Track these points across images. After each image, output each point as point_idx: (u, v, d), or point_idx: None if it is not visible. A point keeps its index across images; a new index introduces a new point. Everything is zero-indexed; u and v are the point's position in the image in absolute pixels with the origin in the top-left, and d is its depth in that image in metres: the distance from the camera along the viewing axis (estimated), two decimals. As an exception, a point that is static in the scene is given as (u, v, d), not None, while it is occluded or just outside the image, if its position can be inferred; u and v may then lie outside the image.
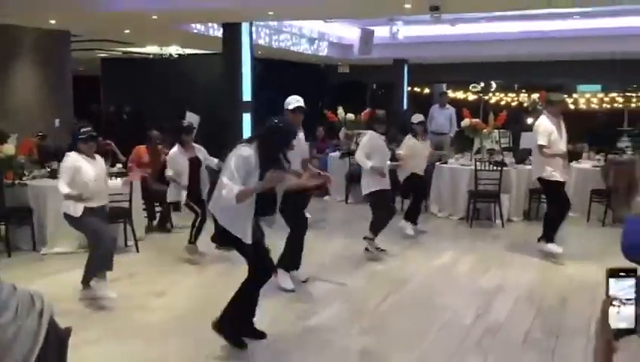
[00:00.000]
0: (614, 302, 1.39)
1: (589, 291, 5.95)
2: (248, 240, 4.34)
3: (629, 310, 1.39)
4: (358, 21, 13.43)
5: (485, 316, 5.29)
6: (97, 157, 5.82)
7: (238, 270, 5.36)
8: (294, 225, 5.97)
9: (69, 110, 11.93)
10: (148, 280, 6.27)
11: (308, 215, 8.48)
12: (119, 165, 8.37)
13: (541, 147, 6.81)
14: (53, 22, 10.12)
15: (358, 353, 4.52)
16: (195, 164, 7.11)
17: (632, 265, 1.85)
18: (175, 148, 7.13)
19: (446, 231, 8.76)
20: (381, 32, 13.29)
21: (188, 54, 15.65)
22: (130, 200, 7.29)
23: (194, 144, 7.25)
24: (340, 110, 12.05)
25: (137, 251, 7.32)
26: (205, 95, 13.31)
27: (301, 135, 5.92)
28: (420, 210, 8.72)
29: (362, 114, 11.62)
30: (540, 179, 7.12)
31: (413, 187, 8.40)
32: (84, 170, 5.56)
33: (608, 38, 12.72)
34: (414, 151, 8.26)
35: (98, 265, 5.53)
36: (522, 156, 9.70)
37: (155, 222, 8.60)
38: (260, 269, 4.52)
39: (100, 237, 5.55)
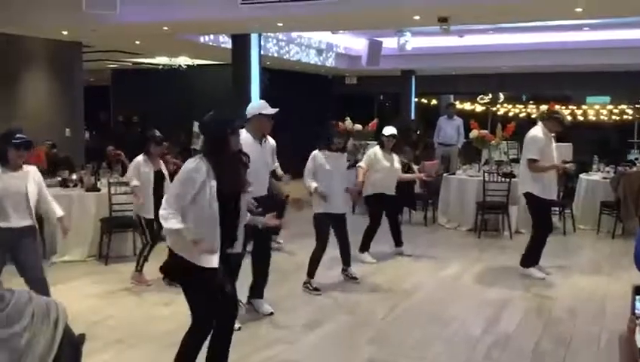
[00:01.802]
0: (639, 321, 1.39)
1: (599, 302, 5.94)
2: (212, 264, 3.62)
3: None
4: (366, 32, 13.49)
5: (494, 327, 5.27)
6: (27, 168, 4.84)
7: (243, 277, 5.40)
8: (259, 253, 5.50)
9: (80, 120, 12.05)
10: (156, 289, 6.28)
11: (280, 240, 8.14)
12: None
13: (532, 161, 6.40)
14: (65, 33, 10.23)
15: (366, 361, 4.52)
16: (159, 177, 6.62)
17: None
18: (139, 158, 6.58)
19: (454, 242, 8.75)
20: (389, 43, 13.33)
21: (197, 65, 15.76)
22: (139, 210, 7.33)
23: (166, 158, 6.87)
24: (348, 121, 12.10)
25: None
26: (214, 105, 13.38)
27: (272, 141, 5.54)
28: (400, 230, 7.90)
29: (369, 125, 11.68)
30: (527, 195, 6.64)
31: (378, 209, 7.51)
32: None
33: (617, 49, 12.73)
34: (377, 165, 7.34)
35: None
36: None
37: (162, 232, 8.61)
38: (202, 318, 3.80)
39: None
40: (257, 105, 5.45)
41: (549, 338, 5.01)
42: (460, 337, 5.06)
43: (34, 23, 9.38)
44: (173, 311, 5.63)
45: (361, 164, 7.44)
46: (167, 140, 8.92)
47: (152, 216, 6.34)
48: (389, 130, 7.48)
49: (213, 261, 3.62)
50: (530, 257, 6.78)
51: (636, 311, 1.38)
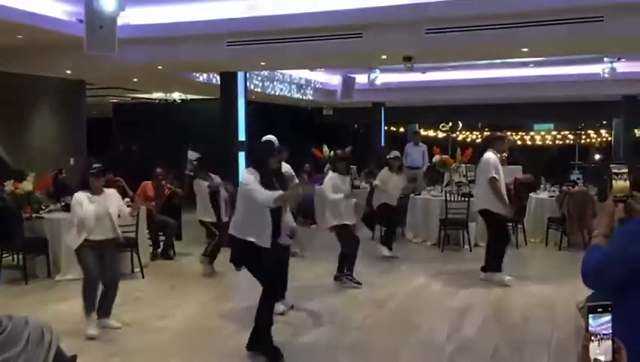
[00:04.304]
0: (593, 338, 1.35)
1: (549, 308, 5.93)
2: (267, 244, 4.40)
3: (607, 344, 1.36)
4: (341, 70, 13.58)
5: (457, 333, 5.21)
6: (107, 191, 5.33)
7: (232, 293, 5.30)
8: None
9: (83, 150, 11.87)
10: (152, 304, 6.15)
11: (296, 249, 8.37)
12: (127, 199, 8.29)
13: (493, 179, 6.57)
14: (69, 72, 10.12)
15: (343, 369, 4.43)
16: (213, 191, 7.60)
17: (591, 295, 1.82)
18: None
19: (420, 255, 8.71)
20: (361, 78, 13.43)
21: (189, 99, 15.69)
22: (136, 231, 7.20)
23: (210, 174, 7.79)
24: (325, 148, 12.09)
25: (143, 277, 7.20)
26: (205, 135, 13.30)
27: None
28: (394, 237, 8.68)
29: (344, 151, 11.67)
30: (484, 211, 6.79)
31: (384, 215, 8.39)
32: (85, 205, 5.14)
33: (559, 83, 12.96)
34: (388, 182, 8.24)
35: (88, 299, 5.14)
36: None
37: (159, 250, 8.49)
38: (271, 283, 4.55)
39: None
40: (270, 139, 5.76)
41: (505, 342, 4.97)
42: (427, 343, 4.99)
43: (41, 64, 9.29)
44: (167, 324, 5.50)
45: (377, 182, 8.29)
46: (162, 167, 8.84)
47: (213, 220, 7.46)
48: (394, 153, 8.46)
49: (268, 243, 4.43)
50: (493, 264, 6.87)
51: (590, 329, 1.34)
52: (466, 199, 8.67)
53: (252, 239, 4.41)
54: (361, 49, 7.89)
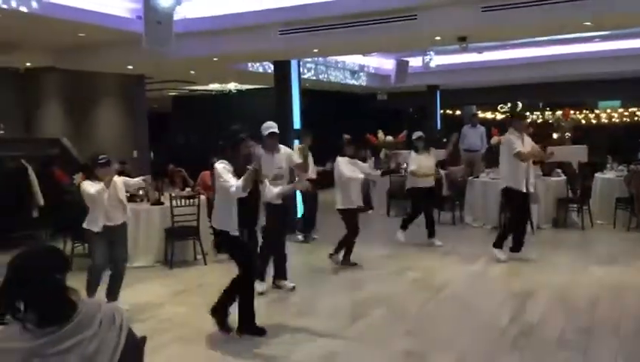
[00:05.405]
0: None
1: (617, 293, 5.71)
2: (235, 232, 4.59)
3: None
4: (394, 53, 13.40)
5: (519, 317, 5.10)
6: (114, 180, 5.44)
7: (295, 280, 5.34)
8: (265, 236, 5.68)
9: (145, 142, 12.29)
10: (214, 290, 6.25)
11: (315, 236, 8.52)
12: (188, 188, 8.55)
13: (517, 153, 6.63)
14: (130, 67, 10.46)
15: (403, 353, 4.42)
16: None
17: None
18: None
19: (479, 239, 8.55)
20: (415, 62, 13.22)
21: (245, 89, 15.90)
22: (197, 219, 7.42)
23: None
24: (380, 133, 12.01)
25: (205, 264, 7.41)
26: (261, 124, 13.46)
27: (284, 151, 6.07)
28: (434, 222, 8.17)
29: (399, 136, 11.59)
30: (506, 189, 6.88)
31: (419, 200, 7.97)
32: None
33: (625, 57, 12.33)
34: (420, 166, 7.86)
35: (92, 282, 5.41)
36: (550, 168, 9.44)
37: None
38: (248, 269, 4.78)
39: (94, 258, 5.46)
40: (263, 126, 6.06)
41: (571, 327, 4.82)
42: (488, 327, 4.90)
43: (103, 61, 9.63)
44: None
45: (413, 167, 7.86)
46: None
47: None
48: (417, 134, 8.10)
49: (236, 232, 4.62)
50: (499, 239, 7.09)
51: None
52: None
53: (222, 228, 4.64)
54: (414, 31, 7.75)
